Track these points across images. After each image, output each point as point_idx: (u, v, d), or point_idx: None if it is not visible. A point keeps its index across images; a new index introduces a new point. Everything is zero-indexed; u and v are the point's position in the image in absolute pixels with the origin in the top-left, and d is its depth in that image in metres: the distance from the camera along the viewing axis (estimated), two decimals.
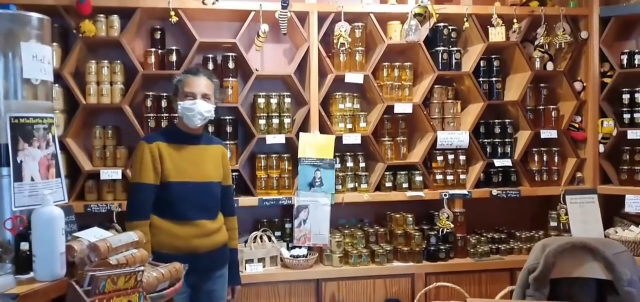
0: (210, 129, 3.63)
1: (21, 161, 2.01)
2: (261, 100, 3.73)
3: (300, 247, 3.68)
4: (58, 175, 2.17)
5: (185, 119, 2.70)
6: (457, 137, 3.92)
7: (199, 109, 2.67)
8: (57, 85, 3.36)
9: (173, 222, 2.64)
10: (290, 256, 3.64)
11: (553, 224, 3.98)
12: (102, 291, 1.61)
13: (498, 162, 4.01)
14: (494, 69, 4.03)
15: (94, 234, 2.01)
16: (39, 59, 2.08)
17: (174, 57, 3.60)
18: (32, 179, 2.04)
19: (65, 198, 2.20)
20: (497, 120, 4.05)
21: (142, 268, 1.80)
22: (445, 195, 3.88)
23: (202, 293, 2.74)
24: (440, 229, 3.84)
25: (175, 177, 2.66)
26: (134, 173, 2.75)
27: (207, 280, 2.74)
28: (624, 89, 3.97)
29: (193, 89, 2.70)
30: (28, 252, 1.89)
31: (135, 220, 2.61)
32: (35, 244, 1.87)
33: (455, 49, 3.94)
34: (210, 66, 3.66)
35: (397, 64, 3.90)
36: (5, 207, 1.99)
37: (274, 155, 3.76)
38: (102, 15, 3.49)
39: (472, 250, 3.89)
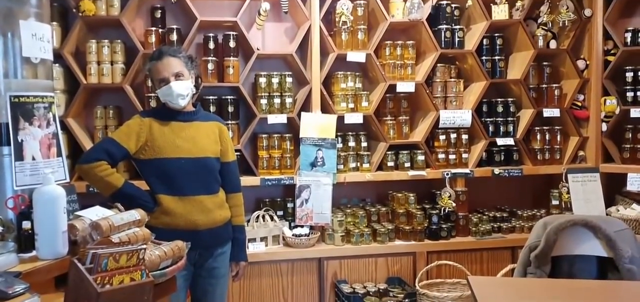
0: (212, 108, 3.62)
1: (22, 140, 2.01)
2: (262, 80, 3.71)
3: (302, 226, 3.70)
4: (59, 154, 2.17)
5: (168, 103, 2.70)
6: (459, 116, 3.91)
7: (175, 90, 2.65)
8: (57, 65, 3.35)
9: (170, 198, 2.64)
10: (293, 235, 3.65)
11: (555, 202, 3.98)
12: (104, 269, 1.62)
13: (500, 141, 4.00)
14: (497, 47, 4.00)
15: (95, 213, 2.02)
16: (38, 37, 2.08)
17: (174, 36, 3.58)
18: (33, 159, 2.05)
19: (67, 177, 2.21)
20: (499, 99, 4.04)
21: (144, 246, 1.80)
22: (447, 174, 3.88)
23: (203, 270, 2.74)
24: (442, 208, 3.84)
25: (169, 153, 2.65)
26: (114, 131, 2.81)
27: (208, 257, 2.73)
28: (627, 67, 3.94)
29: (162, 74, 2.67)
30: (30, 231, 1.91)
31: (85, 163, 2.61)
32: (37, 223, 1.89)
33: (458, 27, 3.92)
34: (211, 45, 3.65)
35: (399, 42, 3.88)
36: (7, 186, 2.00)
37: (275, 135, 3.75)
38: None
39: (473, 229, 3.90)
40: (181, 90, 2.67)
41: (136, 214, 2.04)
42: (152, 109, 3.39)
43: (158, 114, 2.75)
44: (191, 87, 2.73)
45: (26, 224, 1.91)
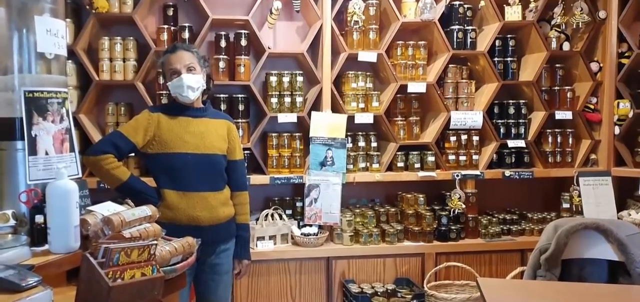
0: (222, 106, 3.63)
1: (35, 135, 2.03)
2: (273, 79, 3.72)
3: (311, 225, 3.70)
4: (72, 150, 2.19)
5: (178, 96, 2.72)
6: (470, 117, 3.89)
7: (186, 82, 2.66)
8: (70, 61, 3.38)
9: (174, 193, 2.65)
10: (301, 234, 3.66)
11: (566, 205, 3.95)
12: (115, 263, 1.63)
13: (511, 143, 3.98)
14: (510, 48, 3.98)
15: (107, 209, 2.03)
16: (52, 33, 2.09)
17: (186, 34, 3.59)
18: (47, 153, 2.06)
19: (79, 173, 2.22)
20: (511, 101, 4.02)
21: (155, 242, 1.81)
22: (457, 175, 3.87)
23: (206, 266, 2.75)
24: (452, 210, 3.83)
25: (176, 148, 2.66)
26: (122, 125, 2.85)
27: (211, 253, 2.74)
28: None
29: (175, 66, 2.69)
30: (43, 225, 1.92)
31: (92, 155, 2.65)
32: (50, 217, 1.90)
33: (470, 28, 3.90)
34: (223, 43, 3.66)
35: (411, 42, 3.87)
36: (20, 180, 2.01)
37: (285, 134, 3.76)
38: None
39: (483, 230, 3.89)
40: (192, 82, 2.68)
41: (147, 209, 2.05)
42: (161, 104, 3.42)
43: (167, 109, 2.78)
44: (202, 82, 2.75)
45: (39, 218, 1.93)
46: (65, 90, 2.18)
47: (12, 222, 1.92)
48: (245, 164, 3.22)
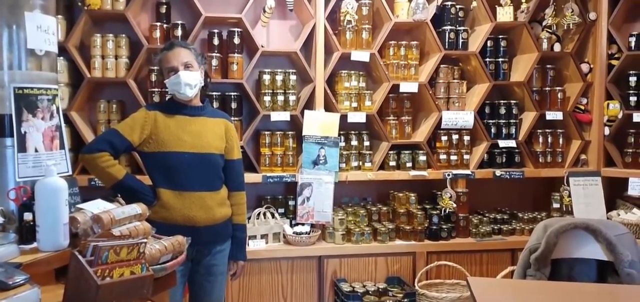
0: (215, 104, 3.63)
1: (25, 132, 2.02)
2: (266, 77, 3.72)
3: (303, 224, 3.70)
4: (62, 147, 2.18)
5: (176, 93, 2.70)
6: (461, 117, 3.91)
7: (184, 80, 2.65)
8: (62, 58, 3.37)
9: (170, 192, 2.63)
10: (293, 232, 3.66)
11: (556, 205, 3.98)
12: (104, 262, 1.62)
13: (502, 143, 4.00)
14: (501, 49, 4.00)
15: (97, 206, 2.02)
16: (43, 29, 2.08)
17: (179, 32, 3.58)
18: (36, 151, 2.05)
19: (69, 170, 2.21)
20: (502, 101, 4.04)
21: (144, 240, 1.80)
22: (448, 175, 3.88)
23: (201, 267, 2.73)
24: (443, 209, 3.85)
25: (172, 147, 2.64)
26: (119, 123, 2.84)
27: (206, 254, 2.73)
28: (631, 72, 3.93)
29: (172, 63, 2.68)
30: (32, 223, 1.91)
31: (87, 153, 2.63)
32: (39, 215, 1.89)
33: (462, 28, 3.91)
34: (216, 41, 3.65)
35: (403, 42, 3.88)
36: (9, 177, 2.01)
37: (278, 132, 3.76)
38: None
39: (474, 230, 3.90)
40: (189, 80, 2.66)
41: (137, 208, 2.05)
42: (158, 102, 3.41)
43: (164, 108, 2.75)
44: (200, 79, 2.73)
45: (28, 216, 1.91)
46: (55, 87, 2.18)
47: (0, 219, 1.91)
48: None
